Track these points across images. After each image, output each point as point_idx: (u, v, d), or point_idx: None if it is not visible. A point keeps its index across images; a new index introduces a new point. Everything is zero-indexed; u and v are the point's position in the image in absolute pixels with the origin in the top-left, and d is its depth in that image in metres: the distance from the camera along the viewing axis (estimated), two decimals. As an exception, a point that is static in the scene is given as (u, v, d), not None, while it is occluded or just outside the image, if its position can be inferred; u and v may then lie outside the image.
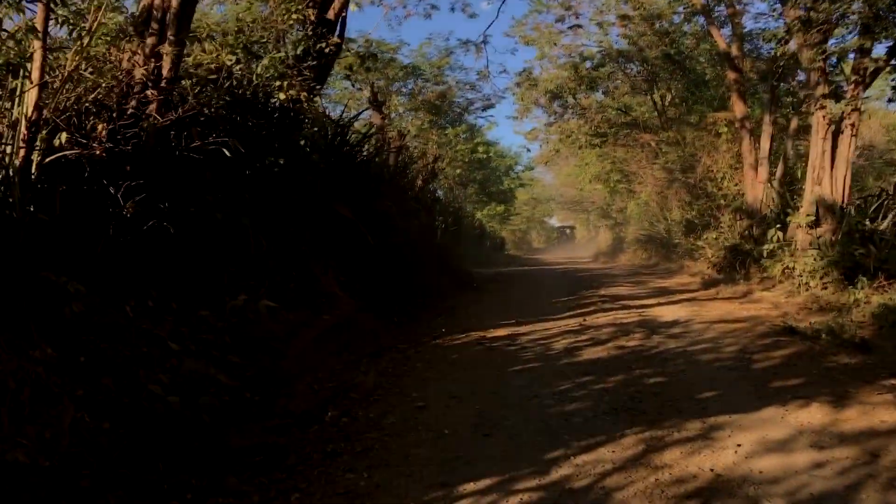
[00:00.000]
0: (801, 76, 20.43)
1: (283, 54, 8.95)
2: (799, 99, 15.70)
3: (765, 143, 14.66)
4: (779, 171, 14.87)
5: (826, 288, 9.97)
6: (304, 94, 8.74)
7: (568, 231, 75.21)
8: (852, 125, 10.82)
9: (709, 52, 21.80)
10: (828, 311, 8.95)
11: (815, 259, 10.33)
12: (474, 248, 29.96)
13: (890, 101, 13.67)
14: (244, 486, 3.83)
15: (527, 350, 7.20)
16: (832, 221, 10.72)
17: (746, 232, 14.46)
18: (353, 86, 15.64)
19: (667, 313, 9.55)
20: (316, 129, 9.36)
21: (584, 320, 9.09)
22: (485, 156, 30.05)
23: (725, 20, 18.14)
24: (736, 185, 16.68)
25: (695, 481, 3.59)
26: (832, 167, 10.95)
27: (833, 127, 11.01)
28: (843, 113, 10.84)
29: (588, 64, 22.92)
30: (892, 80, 13.15)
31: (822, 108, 10.94)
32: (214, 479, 3.87)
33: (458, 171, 27.79)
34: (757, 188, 14.75)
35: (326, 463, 4.14)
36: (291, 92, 8.60)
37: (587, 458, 4.00)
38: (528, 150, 45.61)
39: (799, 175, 15.87)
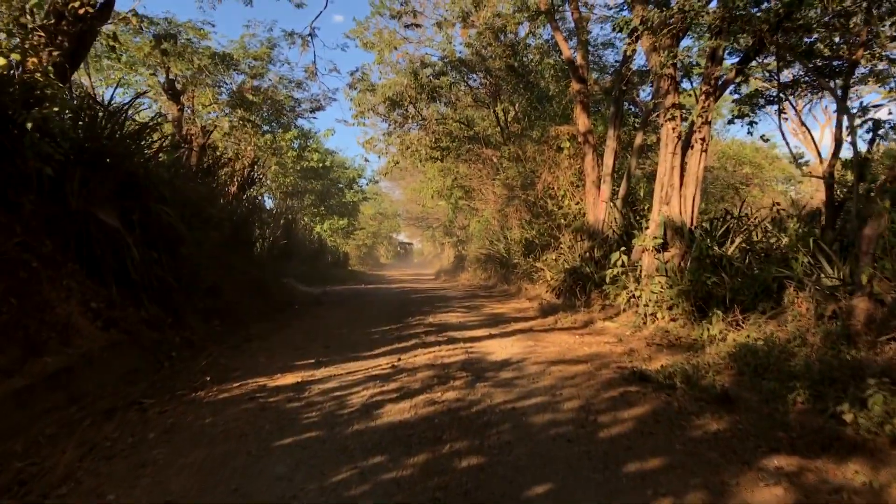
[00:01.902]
0: (645, 93, 20.17)
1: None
2: (644, 115, 14.98)
3: (608, 160, 13.68)
4: (622, 189, 13.97)
5: (675, 320, 8.87)
6: (35, 60, 6.58)
7: (407, 247, 75.70)
8: (702, 140, 9.87)
9: (553, 67, 21.14)
10: (679, 349, 7.81)
11: (662, 287, 9.23)
12: (310, 264, 27.96)
13: (730, 121, 13.15)
14: None
15: (313, 408, 5.39)
16: (681, 245, 9.69)
17: (587, 254, 13.40)
18: (116, 61, 12.88)
19: (498, 350, 8.05)
20: (57, 110, 7.08)
21: (399, 360, 7.39)
22: (320, 165, 27.99)
23: (571, 34, 17.37)
24: (577, 203, 15.69)
25: None
26: (681, 185, 9.95)
27: (682, 141, 10.04)
28: (693, 126, 9.89)
29: (429, 72, 21.63)
30: (736, 97, 12.61)
31: (672, 119, 9.93)
32: None
33: (289, 179, 25.59)
34: (599, 207, 13.76)
35: None
36: (14, 56, 6.44)
37: None
38: (367, 161, 44.06)
39: (641, 195, 15.14)
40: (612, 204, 13.49)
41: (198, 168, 12.37)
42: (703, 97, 9.83)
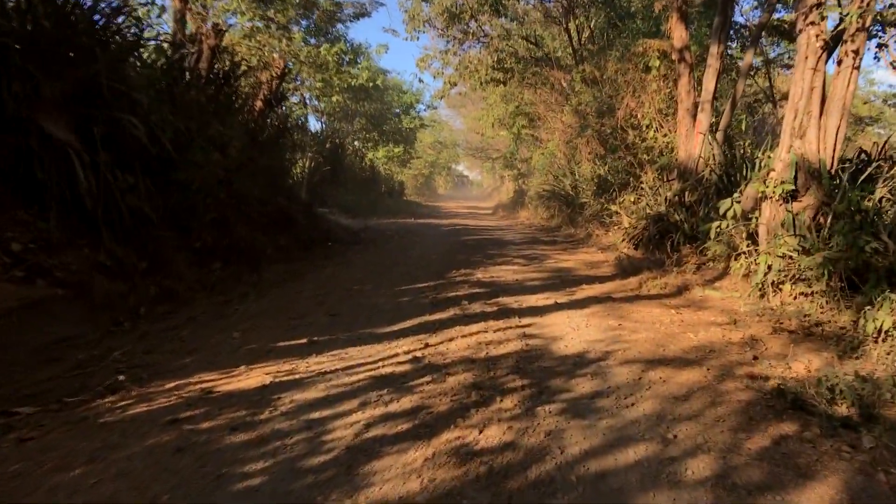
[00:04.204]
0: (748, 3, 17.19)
1: None
2: (758, 27, 12.18)
3: (709, 83, 10.98)
4: (723, 119, 11.30)
5: (808, 296, 6.47)
6: None
7: (465, 179, 75.42)
8: (855, 52, 7.23)
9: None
10: (822, 341, 5.46)
11: (792, 251, 6.79)
12: (359, 193, 25.94)
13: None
14: None
15: (262, 452, 3.21)
16: (818, 193, 7.18)
17: (676, 198, 10.88)
18: None
19: (568, 332, 5.76)
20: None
21: (427, 346, 5.18)
22: (370, 84, 25.53)
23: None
24: (665, 135, 13.04)
25: None
26: (821, 113, 7.37)
27: (825, 54, 7.44)
28: (844, 33, 7.25)
29: (493, -23, 18.85)
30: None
31: (815, 22, 7.30)
32: None
33: (336, 97, 23.22)
34: (694, 141, 11.15)
35: None
36: None
37: None
38: (421, 81, 41.38)
39: (743, 128, 12.47)
40: (710, 137, 10.87)
41: (208, 76, 10.19)
42: (861, -8, 7.16)
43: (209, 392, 4.01)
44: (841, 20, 7.16)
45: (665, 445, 3.39)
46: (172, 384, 4.13)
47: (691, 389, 4.26)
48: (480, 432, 3.49)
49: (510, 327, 5.86)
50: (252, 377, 4.30)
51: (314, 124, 27.83)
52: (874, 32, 12.08)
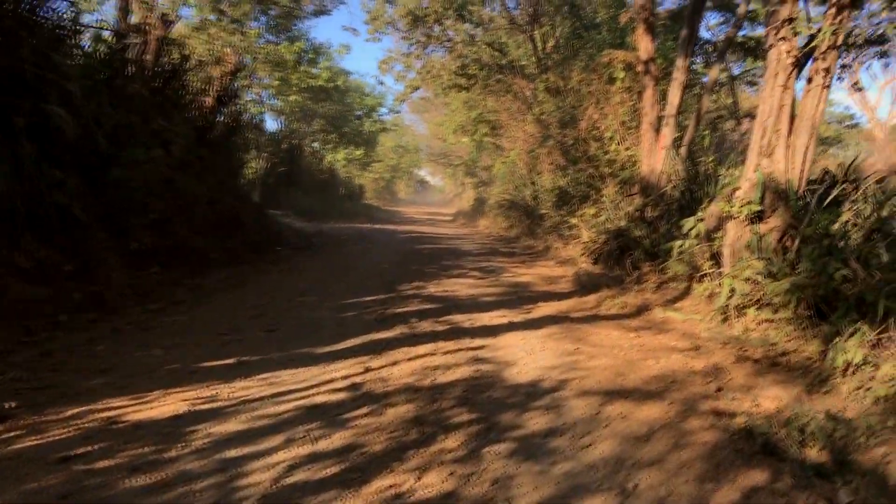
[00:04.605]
0: (714, 17, 17.12)
1: None
2: (724, 43, 12.02)
3: (673, 97, 10.74)
4: (687, 134, 11.08)
5: (772, 321, 6.20)
6: None
7: (426, 184, 76.04)
8: (826, 70, 6.99)
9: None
10: (788, 372, 5.20)
11: (758, 275, 6.52)
12: (317, 196, 25.37)
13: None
14: None
15: (165, 496, 2.76)
16: (785, 215, 6.93)
17: (638, 213, 10.60)
18: None
19: (522, 356, 5.36)
20: None
21: (368, 370, 4.75)
22: (331, 85, 24.97)
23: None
24: (627, 149, 12.78)
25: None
26: (790, 132, 7.14)
27: (796, 72, 7.21)
28: (815, 51, 7.02)
29: (458, -19, 18.51)
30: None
31: (786, 38, 7.06)
32: None
33: (293, 97, 22.66)
34: (657, 155, 10.89)
35: None
36: None
37: None
38: (382, 83, 40.88)
39: (705, 144, 12.27)
40: (674, 152, 10.63)
41: (154, 68, 9.64)
42: (833, 10, 6.93)
43: (114, 422, 3.53)
44: (812, 37, 6.95)
45: (625, 498, 3.02)
46: (73, 411, 3.64)
47: (652, 428, 3.91)
48: (418, 479, 3.08)
49: (461, 349, 5.46)
50: (167, 404, 3.83)
51: (271, 124, 27.22)
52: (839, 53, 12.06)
